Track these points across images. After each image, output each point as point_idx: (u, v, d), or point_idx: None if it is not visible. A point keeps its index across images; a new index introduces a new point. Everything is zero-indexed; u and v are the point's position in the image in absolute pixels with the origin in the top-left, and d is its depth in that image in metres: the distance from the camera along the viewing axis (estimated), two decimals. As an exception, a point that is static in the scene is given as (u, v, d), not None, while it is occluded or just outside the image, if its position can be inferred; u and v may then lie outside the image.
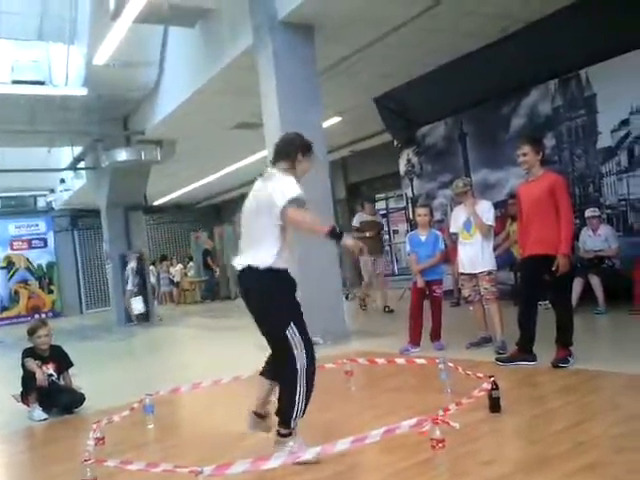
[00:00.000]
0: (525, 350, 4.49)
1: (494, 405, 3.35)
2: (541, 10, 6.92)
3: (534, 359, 4.47)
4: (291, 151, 3.17)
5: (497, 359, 4.66)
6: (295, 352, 2.93)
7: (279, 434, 2.99)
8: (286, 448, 2.92)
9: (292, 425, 2.96)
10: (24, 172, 14.65)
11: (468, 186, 5.52)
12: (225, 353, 7.26)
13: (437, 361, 4.08)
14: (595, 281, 6.62)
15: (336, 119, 10.63)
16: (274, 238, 3.01)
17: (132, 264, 12.95)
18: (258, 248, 3.04)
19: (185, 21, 8.35)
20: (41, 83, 10.55)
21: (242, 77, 7.76)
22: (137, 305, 12.87)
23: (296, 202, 2.94)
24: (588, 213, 6.91)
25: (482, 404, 3.35)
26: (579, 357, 4.34)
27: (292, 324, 2.96)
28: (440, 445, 2.77)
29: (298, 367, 2.92)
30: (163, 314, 13.84)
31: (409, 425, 2.78)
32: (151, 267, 16.12)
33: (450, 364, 4.04)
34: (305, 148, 3.22)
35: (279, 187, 2.98)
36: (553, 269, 4.27)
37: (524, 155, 4.50)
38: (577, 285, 6.68)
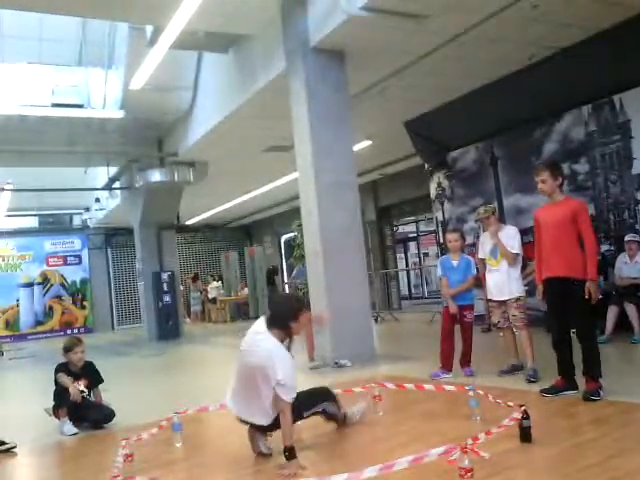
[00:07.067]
0: (566, 380, 4.36)
1: (525, 435, 3.28)
2: (567, 38, 6.92)
3: (574, 388, 4.31)
4: (287, 318, 3.35)
5: (542, 391, 4.43)
6: None
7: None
8: None
9: None
10: (61, 191, 15.07)
11: (490, 212, 5.41)
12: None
13: (467, 388, 4.02)
14: (631, 310, 6.46)
15: (366, 142, 10.69)
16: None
17: None
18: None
19: (219, 47, 8.57)
20: (80, 106, 10.93)
21: (274, 101, 7.88)
22: None
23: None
24: (628, 237, 6.77)
25: (512, 434, 3.28)
26: (614, 387, 4.21)
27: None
28: (468, 475, 2.72)
29: None
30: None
31: (437, 453, 2.75)
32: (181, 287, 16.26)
33: (480, 392, 3.98)
34: (298, 313, 3.38)
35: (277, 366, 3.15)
36: (586, 297, 4.18)
37: (543, 182, 4.42)
38: (612, 314, 6.55)
